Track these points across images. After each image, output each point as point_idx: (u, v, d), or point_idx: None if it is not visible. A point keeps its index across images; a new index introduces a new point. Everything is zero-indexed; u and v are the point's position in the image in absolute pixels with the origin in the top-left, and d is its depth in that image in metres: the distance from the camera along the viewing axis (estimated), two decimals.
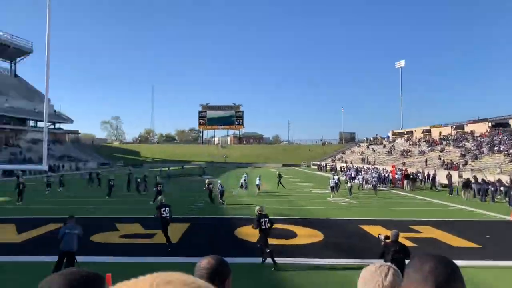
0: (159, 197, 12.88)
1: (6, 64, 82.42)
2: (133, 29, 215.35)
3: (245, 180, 28.41)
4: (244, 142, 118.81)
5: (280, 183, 31.06)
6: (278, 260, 9.74)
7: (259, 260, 9.90)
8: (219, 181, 23.45)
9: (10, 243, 12.20)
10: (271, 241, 10.64)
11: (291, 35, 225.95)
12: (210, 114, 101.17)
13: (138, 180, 27.41)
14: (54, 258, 9.20)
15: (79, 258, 8.68)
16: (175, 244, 11.77)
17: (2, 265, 9.59)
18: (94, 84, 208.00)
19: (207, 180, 23.90)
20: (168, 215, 11.53)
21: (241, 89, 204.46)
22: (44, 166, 10.46)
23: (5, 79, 77.59)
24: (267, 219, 9.98)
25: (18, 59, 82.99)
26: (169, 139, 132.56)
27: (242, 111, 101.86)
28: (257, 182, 28.02)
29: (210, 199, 21.73)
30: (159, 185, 21.85)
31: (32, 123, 75.59)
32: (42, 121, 73.88)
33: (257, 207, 10.40)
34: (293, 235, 13.37)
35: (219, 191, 21.87)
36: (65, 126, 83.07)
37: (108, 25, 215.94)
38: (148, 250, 11.30)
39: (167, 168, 48.09)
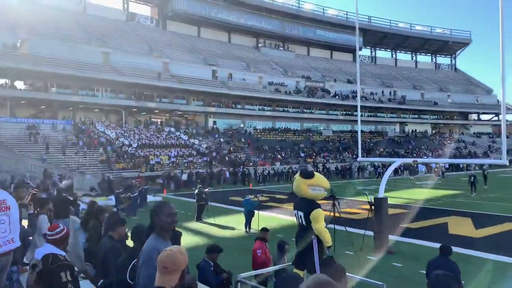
0: None
1: (446, 60, 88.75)
2: None
3: None
4: None
5: None
6: None
7: None
8: None
9: (468, 236, 12.99)
10: None
11: None
12: None
13: None
14: None
15: None
16: None
17: (469, 258, 10.29)
18: None
19: None
20: None
21: None
22: (504, 160, 10.39)
23: (446, 74, 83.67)
24: None
25: (458, 52, 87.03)
26: None
27: None
28: None
29: None
30: None
31: (474, 116, 77.06)
32: (485, 113, 74.14)
33: None
34: None
35: None
36: (510, 117, 78.92)
37: None
38: None
39: None
